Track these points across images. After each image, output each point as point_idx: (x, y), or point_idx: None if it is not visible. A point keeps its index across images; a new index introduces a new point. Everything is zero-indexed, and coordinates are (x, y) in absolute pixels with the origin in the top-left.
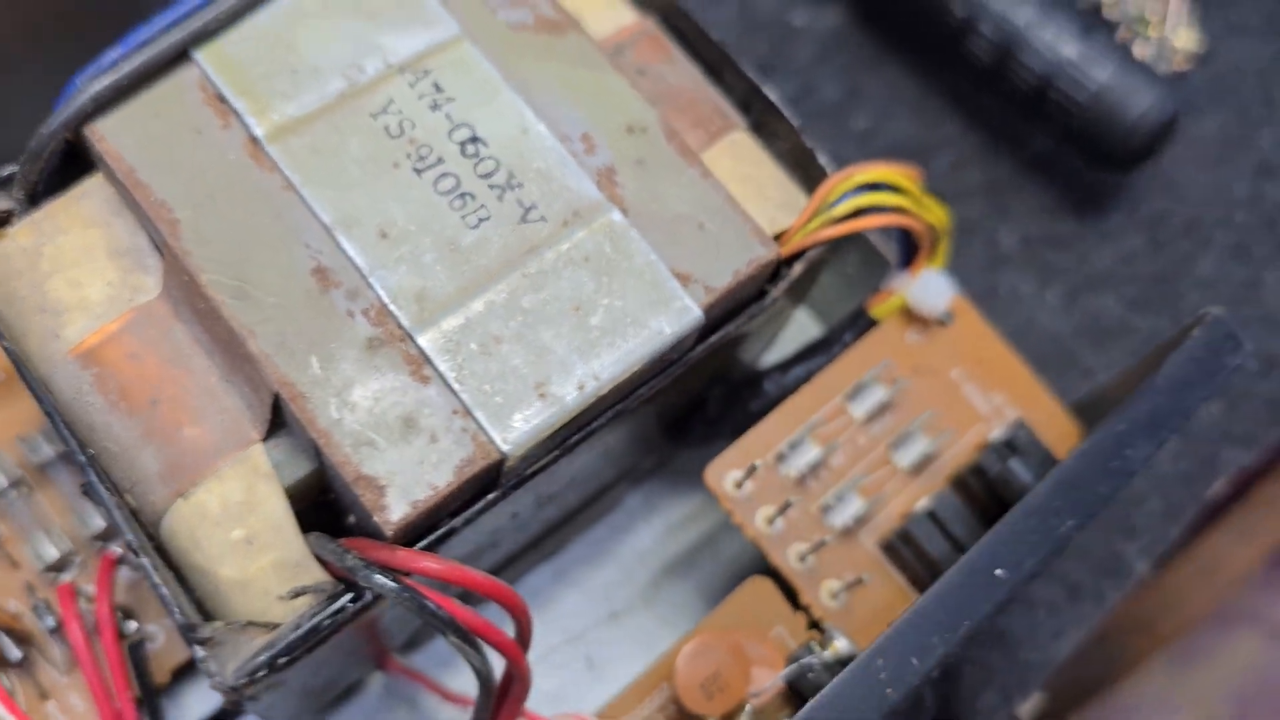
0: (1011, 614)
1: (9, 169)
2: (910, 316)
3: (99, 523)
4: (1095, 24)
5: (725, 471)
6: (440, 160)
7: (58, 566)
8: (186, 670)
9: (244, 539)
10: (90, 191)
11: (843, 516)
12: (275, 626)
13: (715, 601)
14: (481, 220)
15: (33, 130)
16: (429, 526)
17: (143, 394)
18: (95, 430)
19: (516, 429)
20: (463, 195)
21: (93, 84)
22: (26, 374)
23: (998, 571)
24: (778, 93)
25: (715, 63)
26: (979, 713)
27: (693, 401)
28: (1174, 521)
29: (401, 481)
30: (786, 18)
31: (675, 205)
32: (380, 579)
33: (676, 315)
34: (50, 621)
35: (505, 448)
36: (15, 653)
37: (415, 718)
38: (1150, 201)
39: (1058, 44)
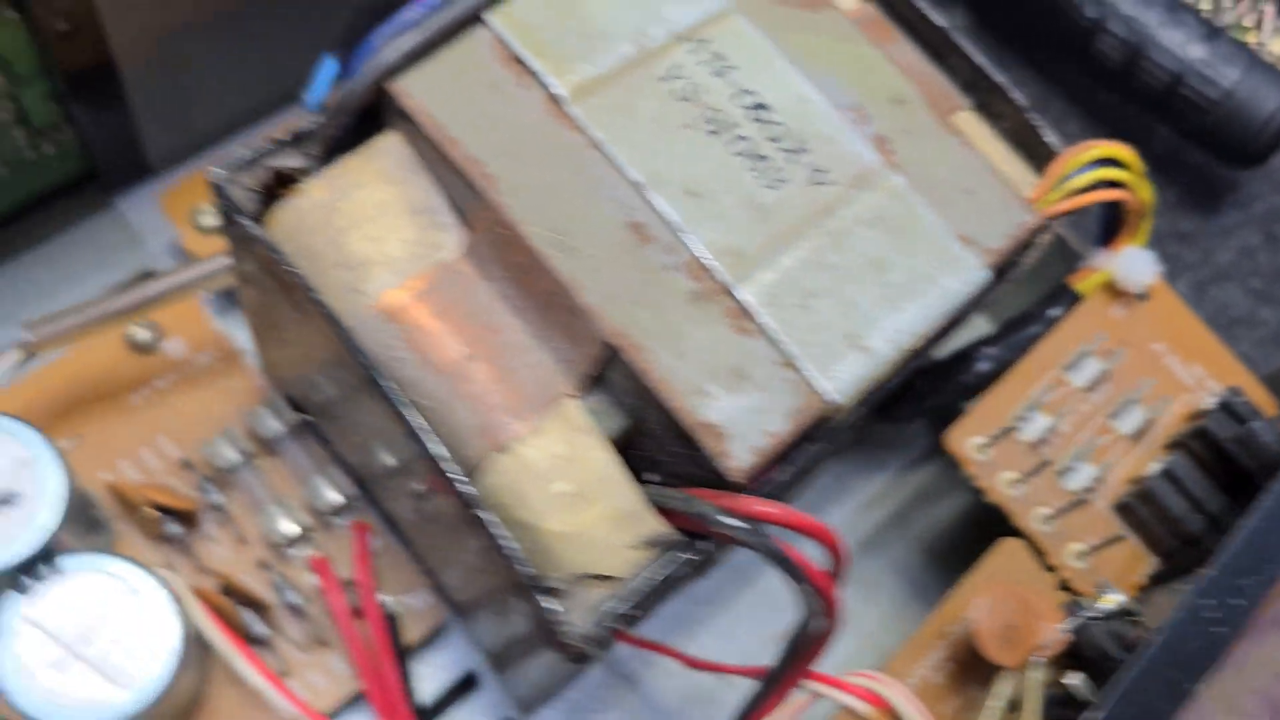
0: None
1: (305, 126)
2: (1112, 292)
3: (333, 496)
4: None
5: (967, 437)
6: (732, 124)
7: (293, 540)
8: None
9: (570, 492)
10: (385, 149)
11: (1078, 480)
12: (609, 579)
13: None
14: (778, 181)
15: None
16: (763, 473)
17: (453, 351)
18: (404, 386)
19: (843, 379)
20: (757, 158)
21: (396, 42)
22: (340, 328)
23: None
24: (1004, 75)
25: (938, 45)
26: None
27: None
28: None
29: (741, 429)
30: None
31: (945, 172)
32: (736, 523)
33: (967, 274)
34: (290, 597)
35: (836, 398)
36: (263, 629)
37: (642, 676)
38: (1264, 199)
39: (1187, 44)
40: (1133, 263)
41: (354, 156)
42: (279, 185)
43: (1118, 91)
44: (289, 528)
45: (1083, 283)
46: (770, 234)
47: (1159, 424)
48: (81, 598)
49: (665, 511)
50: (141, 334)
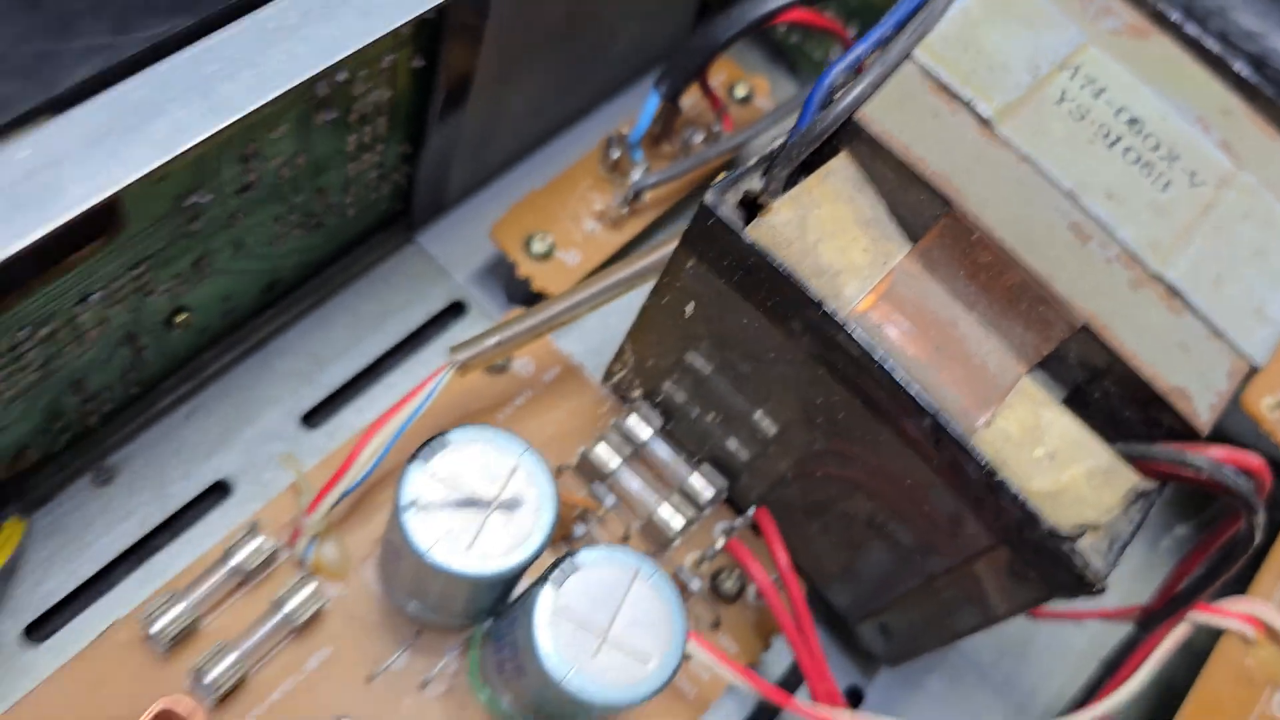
0: None
1: (768, 152)
2: None
3: (707, 490)
4: None
5: (1261, 397)
6: (1119, 138)
7: (679, 533)
8: None
9: (1046, 455)
10: (835, 170)
11: None
12: (1098, 527)
13: None
14: (1167, 184)
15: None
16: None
17: (926, 341)
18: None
19: (1260, 344)
20: (1146, 164)
21: (857, 80)
22: (845, 331)
23: None
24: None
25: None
26: None
27: None
28: None
29: (1198, 390)
30: None
31: (1277, 170)
32: (1206, 461)
33: None
34: (693, 582)
35: (1259, 360)
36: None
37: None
38: None
39: None
40: None
41: (810, 178)
42: (751, 206)
43: None
44: (678, 520)
45: None
46: (1173, 229)
47: None
48: (598, 585)
49: (1150, 464)
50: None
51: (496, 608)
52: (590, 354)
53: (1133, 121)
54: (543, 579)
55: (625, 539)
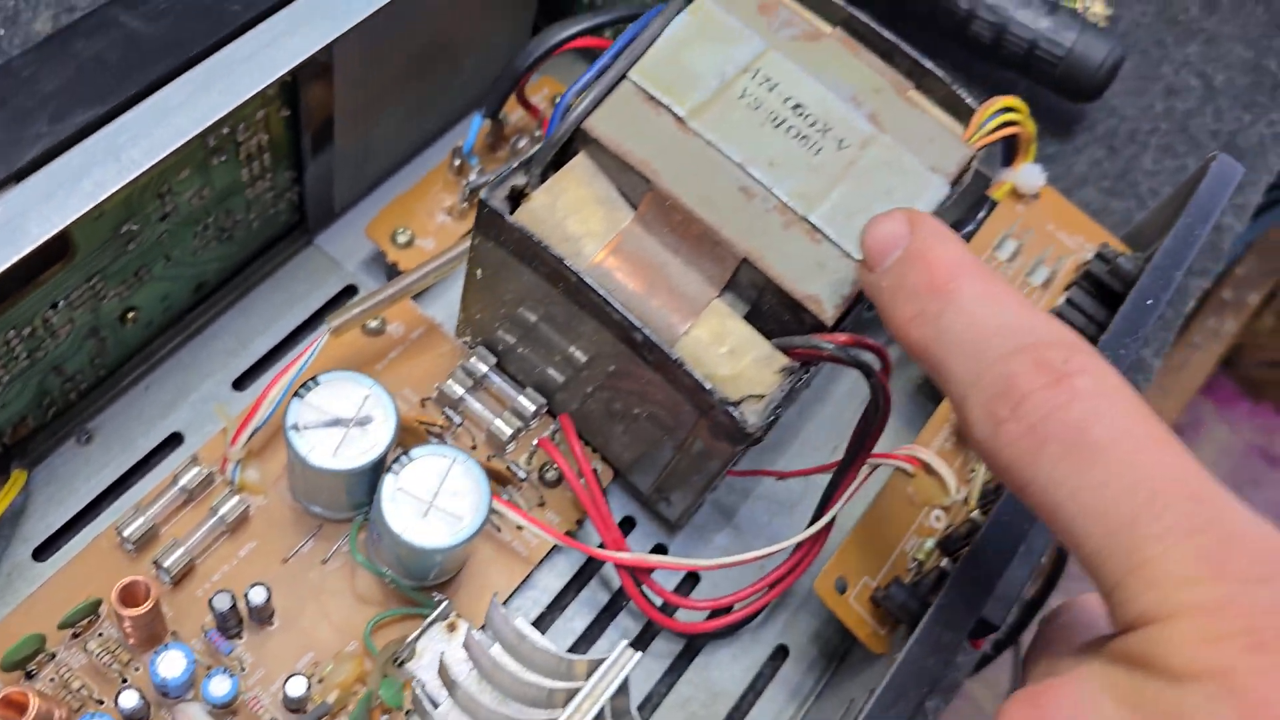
0: None
1: (526, 159)
2: (1016, 195)
3: (529, 406)
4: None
5: None
6: (784, 119)
7: (511, 438)
8: None
9: (728, 351)
10: (576, 165)
11: None
12: (762, 396)
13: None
14: (818, 149)
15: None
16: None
17: (641, 280)
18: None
19: None
20: (803, 137)
21: (583, 98)
22: (579, 277)
23: (1148, 301)
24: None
25: (885, 48)
26: None
27: None
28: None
29: (827, 295)
30: None
31: (914, 130)
32: (831, 347)
33: (938, 190)
34: (519, 472)
35: None
36: (507, 493)
37: (738, 508)
38: (1102, 123)
39: (1036, 19)
40: (1028, 174)
41: (558, 174)
42: (515, 198)
43: (991, 60)
44: (506, 430)
45: (996, 192)
46: (822, 181)
47: (1058, 275)
48: (428, 472)
49: (792, 350)
50: (371, 323)
51: (367, 499)
52: (450, 316)
53: (796, 106)
54: (387, 470)
55: (474, 448)
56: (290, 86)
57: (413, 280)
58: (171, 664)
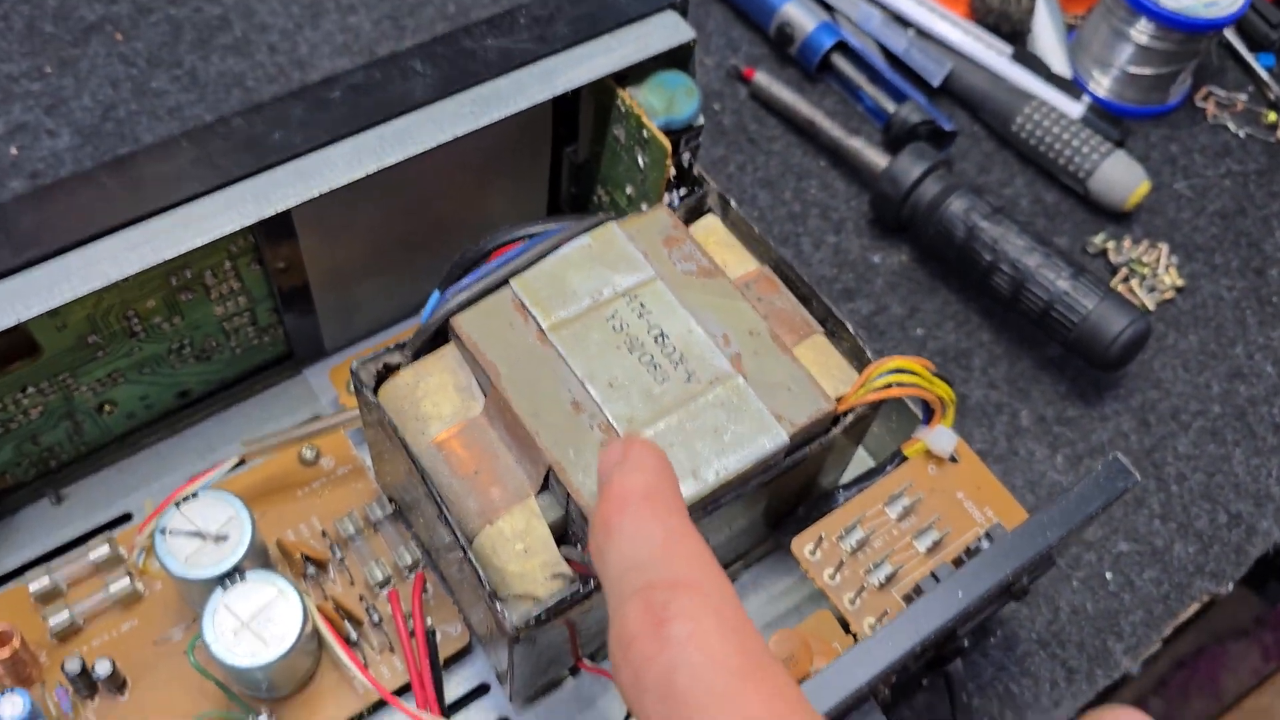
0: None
1: (403, 343)
2: (930, 456)
3: (408, 558)
4: (1101, 265)
5: (805, 543)
6: (642, 345)
7: (381, 584)
8: (453, 658)
9: (523, 550)
10: (445, 354)
11: (878, 576)
12: (538, 598)
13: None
14: (664, 379)
15: (379, 311)
16: None
17: (470, 467)
18: (443, 486)
19: (685, 493)
20: (654, 365)
21: (456, 297)
22: (412, 454)
23: (959, 593)
24: (856, 314)
25: (804, 293)
26: None
27: (789, 508)
28: (1153, 629)
29: None
30: (868, 256)
31: (775, 376)
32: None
33: (773, 438)
34: (375, 616)
35: None
36: (353, 634)
37: (599, 693)
38: (1142, 393)
39: (1057, 279)
40: (937, 437)
41: (429, 357)
42: (386, 372)
43: (1012, 313)
44: (378, 574)
45: (909, 449)
46: (654, 409)
47: (951, 545)
48: (254, 595)
49: (571, 563)
50: (308, 453)
51: None
52: None
53: (660, 335)
54: (220, 584)
55: (352, 584)
56: (255, 247)
57: (321, 426)
58: (12, 706)
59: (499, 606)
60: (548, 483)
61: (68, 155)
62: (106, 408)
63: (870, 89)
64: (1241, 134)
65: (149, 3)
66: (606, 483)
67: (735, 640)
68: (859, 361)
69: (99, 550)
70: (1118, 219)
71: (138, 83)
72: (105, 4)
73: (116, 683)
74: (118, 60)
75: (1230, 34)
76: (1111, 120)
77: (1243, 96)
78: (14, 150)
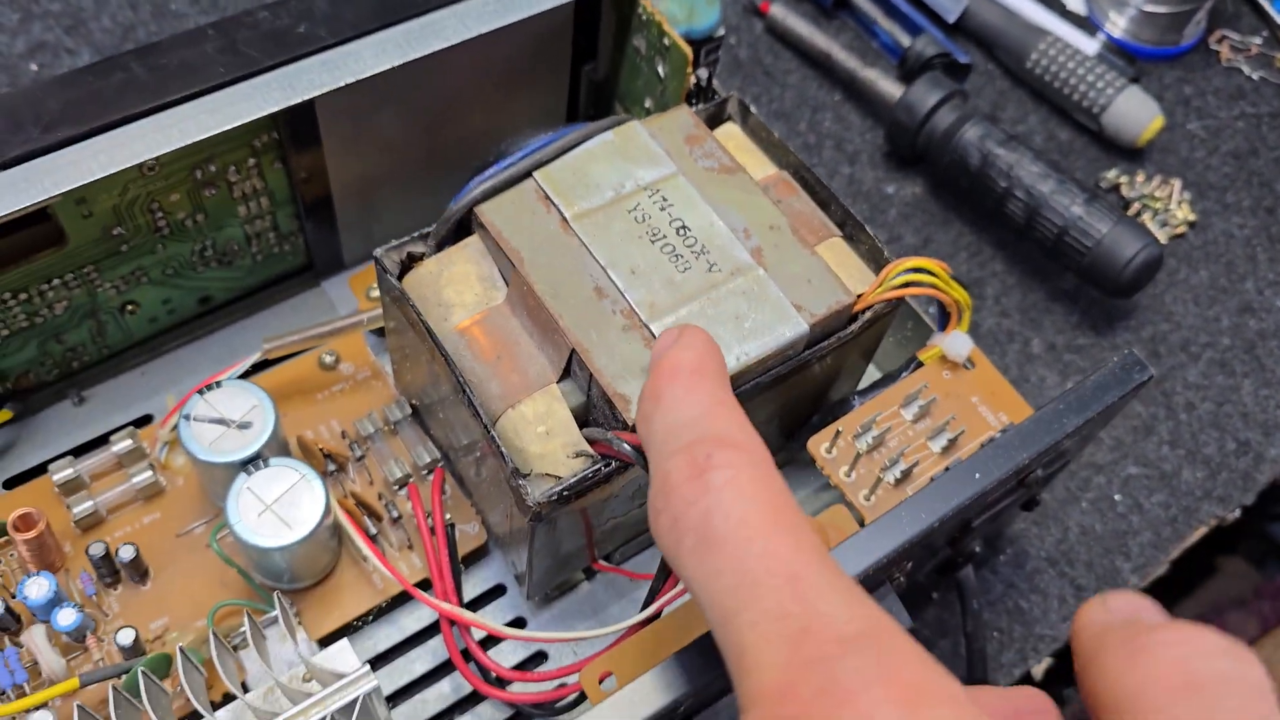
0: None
1: (426, 231)
2: (945, 361)
3: (426, 458)
4: (1114, 200)
5: (821, 442)
6: (664, 236)
7: (400, 482)
8: (470, 558)
9: (544, 432)
10: (469, 244)
11: (893, 474)
12: (559, 477)
13: None
14: (685, 268)
15: (400, 224)
16: None
17: (493, 352)
18: (465, 371)
19: None
20: (676, 254)
21: (481, 186)
22: (435, 339)
23: (975, 474)
24: (863, 217)
25: (823, 197)
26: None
27: (805, 416)
28: (1160, 550)
29: (638, 398)
30: (882, 187)
31: (795, 269)
32: (627, 446)
33: (793, 327)
34: (394, 513)
35: None
36: (372, 529)
37: (612, 599)
38: (1153, 325)
39: (1071, 205)
40: (953, 342)
41: (452, 248)
42: (410, 262)
43: (1025, 240)
44: (397, 472)
45: (925, 354)
46: (676, 297)
47: (964, 445)
48: (278, 480)
49: (594, 443)
50: (327, 358)
51: None
52: None
53: (682, 227)
54: (243, 469)
55: (370, 483)
56: (279, 146)
57: (342, 324)
58: (37, 587)
59: (522, 484)
60: (569, 368)
61: None
62: (129, 308)
63: (886, 23)
64: (1255, 77)
65: None
66: (659, 359)
67: (769, 492)
68: (876, 264)
69: (122, 443)
70: (1131, 156)
71: (156, 4)
72: None
73: (139, 570)
74: None
75: None
76: (1126, 59)
77: (1257, 41)
78: (34, 67)
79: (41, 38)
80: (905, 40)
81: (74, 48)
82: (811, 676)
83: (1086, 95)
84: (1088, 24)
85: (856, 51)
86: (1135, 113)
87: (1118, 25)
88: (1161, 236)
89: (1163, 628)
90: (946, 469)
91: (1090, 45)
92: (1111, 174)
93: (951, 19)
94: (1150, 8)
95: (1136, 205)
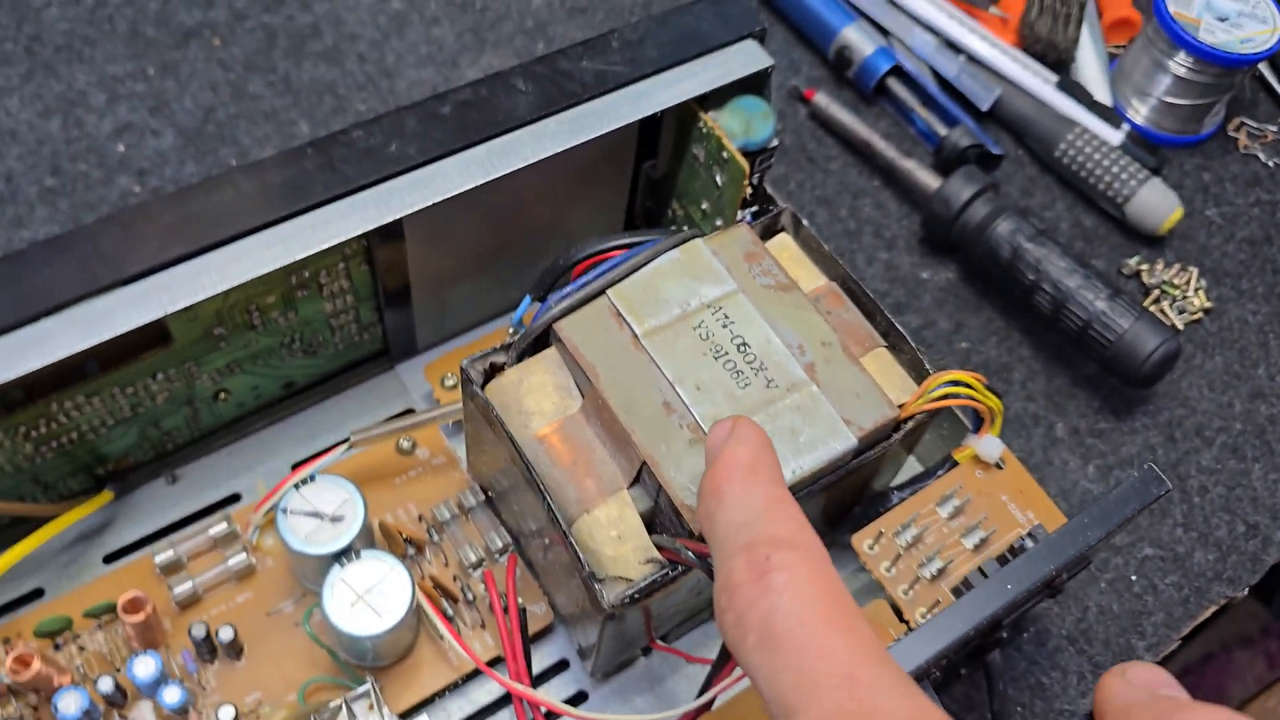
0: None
1: (509, 343)
2: (978, 461)
3: (498, 542)
4: (1135, 286)
5: (865, 539)
6: (726, 353)
7: (474, 565)
8: (535, 636)
9: (617, 536)
10: (548, 356)
11: (930, 569)
12: (630, 580)
13: None
14: (745, 384)
15: (468, 312)
16: None
17: (568, 459)
18: (544, 476)
19: None
20: (737, 371)
21: (560, 304)
22: (517, 445)
23: (1008, 585)
24: (905, 328)
25: (869, 308)
26: None
27: (848, 508)
28: (1172, 630)
29: None
30: (917, 273)
31: (845, 384)
32: (692, 555)
33: (843, 441)
34: (469, 595)
35: None
36: (449, 610)
37: (668, 674)
38: (1169, 411)
39: (1095, 300)
40: (986, 445)
41: (532, 359)
42: (492, 371)
43: (1051, 331)
44: (471, 556)
45: (960, 454)
46: (737, 411)
47: (995, 543)
48: (369, 571)
49: (662, 549)
50: (405, 443)
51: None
52: None
53: (742, 344)
54: (338, 561)
55: (445, 565)
56: (368, 250)
57: (426, 418)
58: (145, 666)
59: (598, 587)
60: (639, 477)
61: (171, 154)
62: (222, 395)
63: (923, 112)
64: (1271, 164)
65: (245, 9)
66: (716, 455)
67: (828, 592)
68: (917, 373)
69: (218, 526)
70: (1152, 243)
71: (235, 86)
72: (203, 9)
73: (235, 648)
74: (216, 65)
75: (1264, 68)
76: (1149, 148)
77: (1273, 128)
78: (121, 147)
79: (127, 119)
80: (941, 129)
81: (158, 129)
82: None
83: (1111, 185)
84: (1113, 114)
85: (895, 138)
86: (1157, 204)
87: (1140, 114)
88: (1179, 323)
89: (1189, 707)
90: (980, 569)
91: (1115, 136)
92: (1133, 261)
93: (985, 108)
94: (1172, 99)
95: (1156, 292)
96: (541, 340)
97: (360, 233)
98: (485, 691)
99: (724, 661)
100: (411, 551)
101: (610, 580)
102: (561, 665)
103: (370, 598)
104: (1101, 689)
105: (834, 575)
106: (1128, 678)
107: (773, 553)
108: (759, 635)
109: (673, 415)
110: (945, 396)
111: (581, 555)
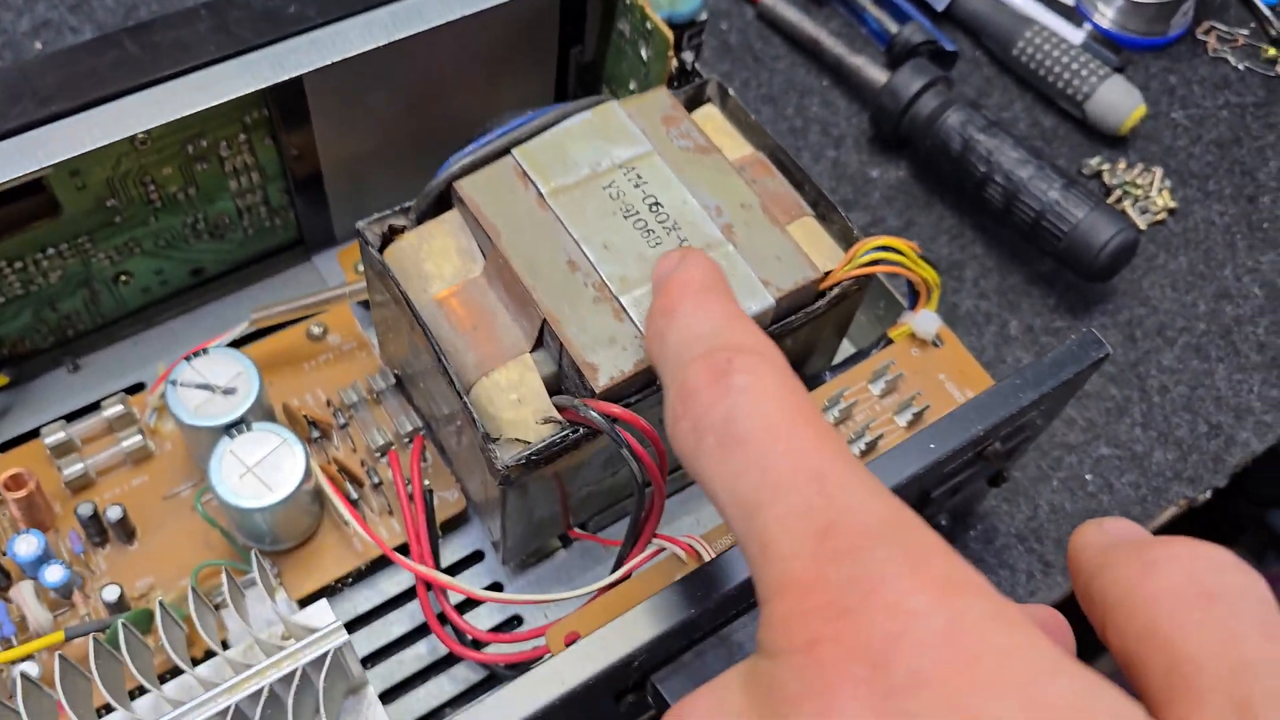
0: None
1: (408, 205)
2: (915, 339)
3: (408, 426)
4: (1096, 187)
5: None
6: (637, 212)
7: (382, 450)
8: (449, 525)
9: (516, 399)
10: (449, 219)
11: (859, 445)
12: (528, 442)
13: None
14: (657, 243)
15: (389, 201)
16: (616, 398)
17: (469, 323)
18: (443, 340)
19: None
20: (648, 230)
21: (460, 162)
22: (413, 309)
23: (930, 444)
24: (838, 199)
25: (798, 178)
26: None
27: None
28: None
29: (605, 366)
30: (866, 170)
31: (764, 246)
32: (594, 413)
33: (759, 300)
34: (375, 479)
35: None
36: (354, 494)
37: (588, 566)
38: (1129, 310)
39: (1048, 190)
40: (921, 320)
41: (432, 221)
42: (391, 234)
43: (1004, 225)
44: (379, 440)
45: (895, 331)
46: (646, 270)
47: (928, 419)
48: (260, 444)
49: (563, 410)
50: (315, 329)
51: None
52: None
53: (655, 204)
54: (227, 432)
55: (354, 451)
56: (269, 121)
57: (329, 294)
58: (27, 544)
59: (492, 448)
60: (542, 339)
61: None
62: (123, 278)
63: (875, 10)
64: (1241, 67)
65: None
66: (666, 280)
67: (792, 393)
68: (847, 243)
69: (113, 408)
70: (1114, 143)
71: None
72: None
73: (126, 530)
74: None
75: None
76: (1112, 48)
77: (1244, 31)
78: (38, 45)
79: (46, 16)
80: (893, 28)
81: (77, 26)
82: (840, 567)
83: (1070, 83)
84: (1075, 14)
85: (845, 38)
86: (1118, 101)
87: (1105, 15)
88: (1142, 223)
89: (1172, 542)
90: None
91: (1076, 35)
92: (1094, 161)
93: (940, 7)
94: None
95: (1118, 192)
96: (444, 203)
97: (251, 91)
98: (394, 582)
99: (635, 537)
100: (317, 435)
101: (505, 442)
102: (475, 556)
103: (260, 470)
104: (1077, 538)
105: (798, 380)
106: (1105, 528)
107: (734, 356)
108: (718, 436)
109: (577, 274)
110: (874, 263)
111: (478, 418)
